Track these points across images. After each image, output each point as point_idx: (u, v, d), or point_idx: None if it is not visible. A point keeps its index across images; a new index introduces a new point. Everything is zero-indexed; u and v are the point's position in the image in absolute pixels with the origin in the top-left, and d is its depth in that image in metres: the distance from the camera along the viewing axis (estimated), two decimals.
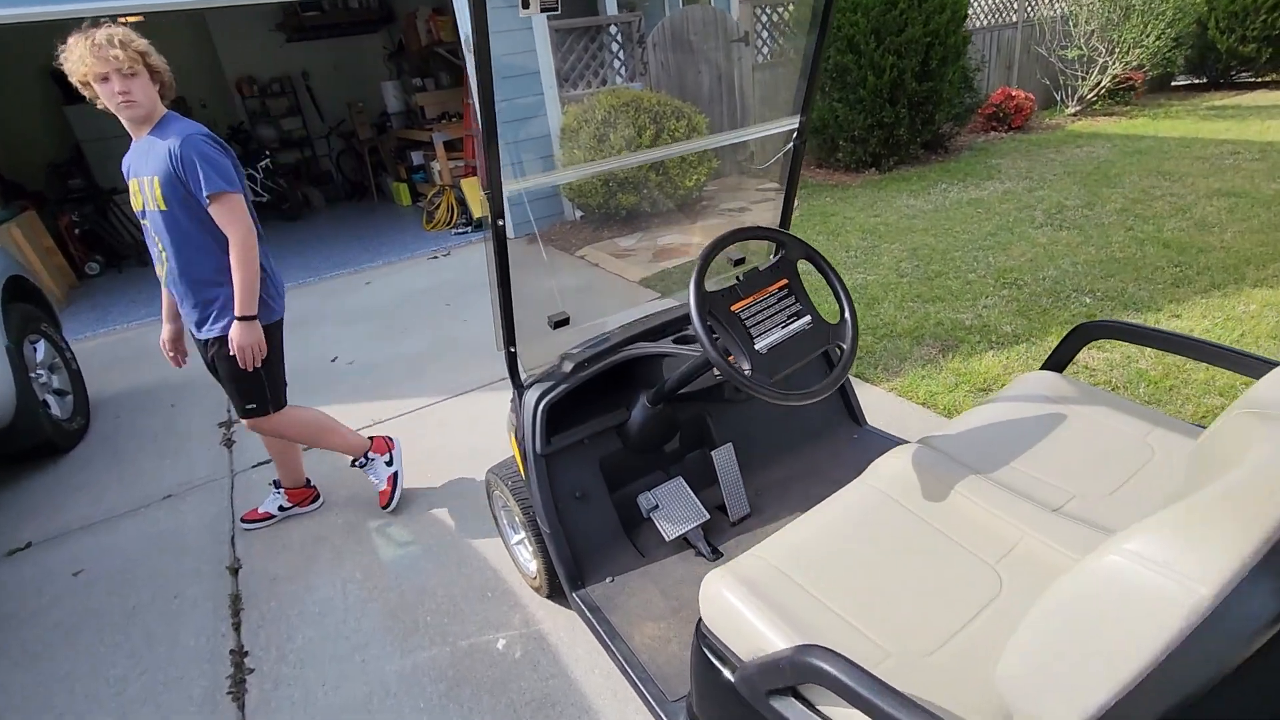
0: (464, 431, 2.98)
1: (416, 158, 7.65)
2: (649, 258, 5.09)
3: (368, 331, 4.28)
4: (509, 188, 1.36)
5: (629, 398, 1.72)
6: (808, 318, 1.40)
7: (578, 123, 5.33)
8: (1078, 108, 8.15)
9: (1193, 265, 3.56)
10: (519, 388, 1.67)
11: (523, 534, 1.90)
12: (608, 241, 5.62)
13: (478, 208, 6.32)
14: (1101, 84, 7.91)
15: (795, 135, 1.82)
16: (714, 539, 1.70)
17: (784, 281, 1.42)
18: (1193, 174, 5.25)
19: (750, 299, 1.36)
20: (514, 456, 1.84)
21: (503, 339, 1.57)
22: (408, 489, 2.60)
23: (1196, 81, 9.38)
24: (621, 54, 6.14)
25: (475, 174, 6.58)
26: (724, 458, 1.76)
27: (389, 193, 8.35)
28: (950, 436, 1.44)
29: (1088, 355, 2.88)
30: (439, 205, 6.71)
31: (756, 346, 1.31)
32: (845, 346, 1.39)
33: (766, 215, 6.03)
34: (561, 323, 1.64)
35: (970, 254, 4.13)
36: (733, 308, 1.33)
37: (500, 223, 1.37)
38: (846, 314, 1.41)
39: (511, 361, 1.61)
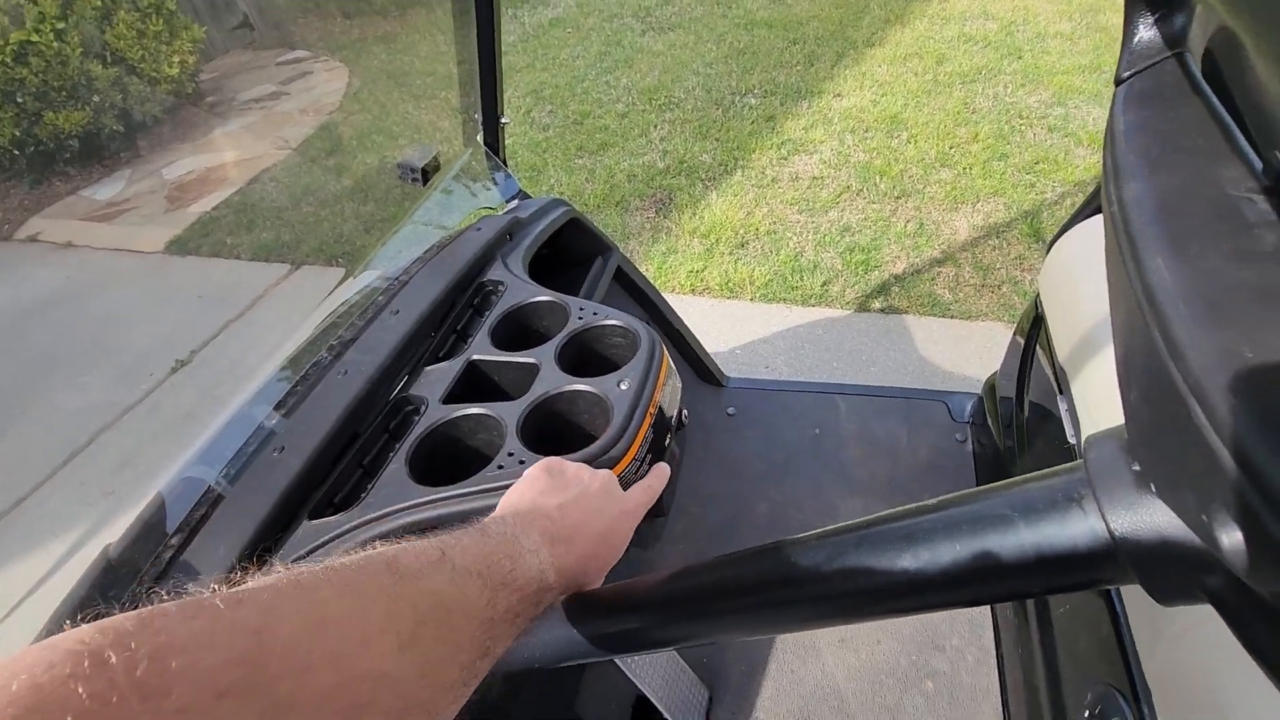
0: None
1: None
2: (163, 205, 3.19)
3: None
4: None
5: None
6: None
7: None
8: None
9: (807, 41, 3.41)
10: None
11: None
12: (70, 200, 3.41)
13: None
14: None
15: None
16: None
17: None
18: None
19: None
20: None
21: None
22: None
23: None
24: None
25: None
26: None
27: None
28: None
29: (799, 166, 2.49)
30: None
31: None
32: None
33: (311, 98, 4.35)
34: None
35: (599, 82, 3.41)
36: None
37: None
38: None
39: None
